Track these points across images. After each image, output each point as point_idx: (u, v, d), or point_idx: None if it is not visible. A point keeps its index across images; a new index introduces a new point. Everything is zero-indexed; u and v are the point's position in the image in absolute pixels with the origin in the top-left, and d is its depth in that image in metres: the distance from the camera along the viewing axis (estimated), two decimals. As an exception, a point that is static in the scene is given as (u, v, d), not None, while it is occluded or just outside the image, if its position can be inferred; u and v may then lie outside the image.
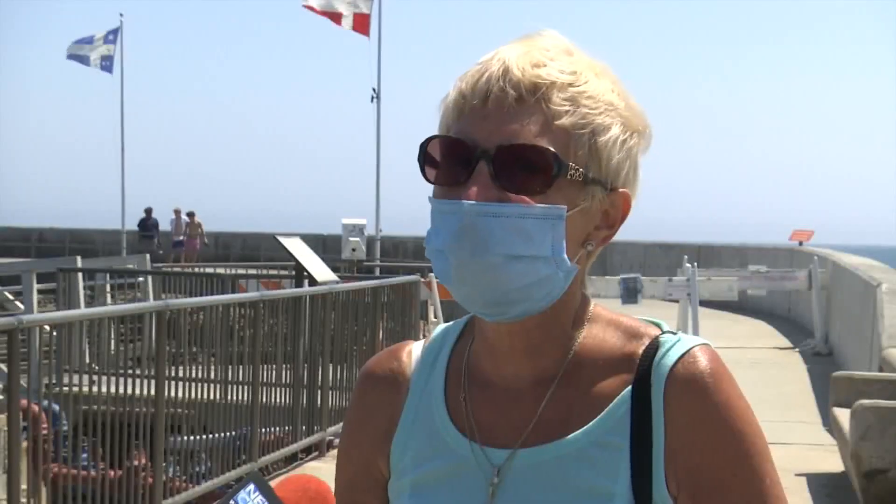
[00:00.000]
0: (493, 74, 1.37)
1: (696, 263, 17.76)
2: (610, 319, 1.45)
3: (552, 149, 1.34)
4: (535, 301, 1.36)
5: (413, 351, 1.53)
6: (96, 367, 7.87)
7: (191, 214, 32.93)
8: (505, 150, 1.34)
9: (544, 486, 1.38)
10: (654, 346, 1.40)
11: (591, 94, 1.37)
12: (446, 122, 1.40)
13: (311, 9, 24.48)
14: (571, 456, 1.38)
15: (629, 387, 1.39)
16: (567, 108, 1.35)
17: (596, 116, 1.36)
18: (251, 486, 1.53)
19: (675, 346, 1.39)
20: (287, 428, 8.87)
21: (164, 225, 34.36)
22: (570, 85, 1.36)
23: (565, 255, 1.36)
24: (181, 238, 32.38)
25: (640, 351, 1.41)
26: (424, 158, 1.40)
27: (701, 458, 1.36)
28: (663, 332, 1.43)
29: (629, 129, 1.39)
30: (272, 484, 1.57)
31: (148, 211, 34.83)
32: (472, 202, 1.33)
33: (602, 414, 1.38)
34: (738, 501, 1.36)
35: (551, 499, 1.38)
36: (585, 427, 1.38)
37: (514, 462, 1.40)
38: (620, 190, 1.39)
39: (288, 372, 9.15)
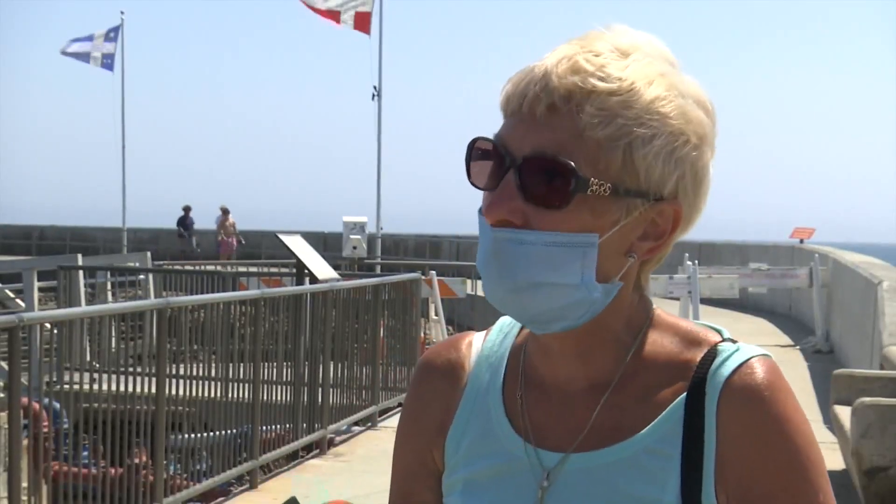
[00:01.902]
0: (533, 79, 1.33)
1: (696, 261, 17.75)
2: (669, 324, 1.42)
3: (573, 162, 1.30)
4: (575, 319, 1.35)
5: (473, 343, 1.51)
6: (97, 365, 7.85)
7: (226, 211, 32.49)
8: (529, 161, 1.31)
9: (594, 492, 1.36)
10: (712, 354, 1.38)
11: (632, 104, 1.31)
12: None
13: (312, 8, 24.45)
14: (623, 463, 1.36)
15: (683, 395, 1.36)
16: (600, 119, 1.30)
17: (635, 128, 1.31)
18: None
19: (733, 356, 1.37)
20: (288, 426, 8.87)
21: (203, 223, 34.09)
22: (611, 94, 1.31)
23: (596, 282, 1.33)
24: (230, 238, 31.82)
25: (698, 358, 1.38)
26: (470, 157, 1.38)
27: (753, 470, 1.33)
28: (723, 340, 1.40)
29: (679, 139, 1.34)
30: None
31: (186, 209, 34.23)
32: (497, 229, 1.32)
33: (655, 421, 1.36)
34: None
35: None
36: (638, 434, 1.36)
37: (565, 466, 1.38)
38: (669, 201, 1.35)
39: (289, 370, 9.15)
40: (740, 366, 1.36)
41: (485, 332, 1.53)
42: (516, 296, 1.33)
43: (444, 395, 1.48)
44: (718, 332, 1.42)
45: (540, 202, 1.31)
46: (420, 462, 1.50)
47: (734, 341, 1.40)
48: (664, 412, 1.36)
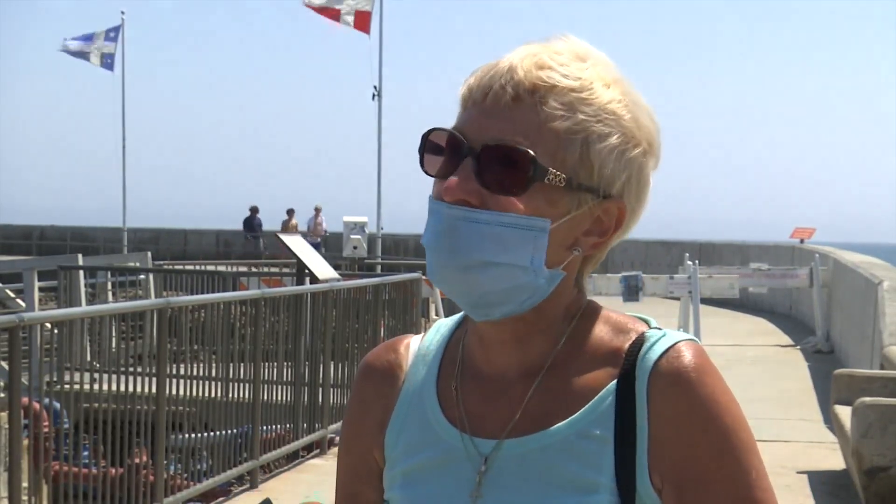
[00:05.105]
0: (499, 72, 1.39)
1: (697, 261, 17.78)
2: (600, 315, 1.47)
3: (533, 151, 1.36)
4: (518, 303, 1.40)
5: (411, 344, 1.56)
6: (97, 365, 7.86)
7: (290, 212, 31.80)
8: (489, 149, 1.37)
9: (529, 475, 1.40)
10: (640, 340, 1.42)
11: (591, 101, 1.38)
12: (457, 114, 1.43)
13: (312, 7, 24.47)
14: (556, 447, 1.40)
15: (614, 380, 1.40)
16: (562, 112, 1.37)
17: (592, 125, 1.38)
18: None
19: (660, 341, 1.41)
20: (288, 426, 8.88)
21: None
22: (572, 91, 1.38)
23: (545, 267, 1.38)
24: (318, 240, 30.12)
25: (627, 346, 1.43)
26: (424, 149, 1.43)
27: (685, 451, 1.37)
28: (650, 328, 1.45)
29: (631, 141, 1.41)
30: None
31: (253, 209, 33.54)
32: (454, 206, 1.36)
33: (587, 406, 1.40)
34: (723, 494, 1.37)
35: (536, 488, 1.40)
36: (570, 418, 1.40)
37: (500, 452, 1.42)
38: (615, 199, 1.41)
39: (289, 370, 9.15)
40: (667, 350, 1.40)
41: (422, 334, 1.58)
42: (465, 274, 1.38)
43: (384, 396, 1.53)
44: (646, 321, 1.47)
45: (498, 188, 1.36)
46: (364, 462, 1.54)
47: (660, 329, 1.44)
48: (596, 397, 1.41)
